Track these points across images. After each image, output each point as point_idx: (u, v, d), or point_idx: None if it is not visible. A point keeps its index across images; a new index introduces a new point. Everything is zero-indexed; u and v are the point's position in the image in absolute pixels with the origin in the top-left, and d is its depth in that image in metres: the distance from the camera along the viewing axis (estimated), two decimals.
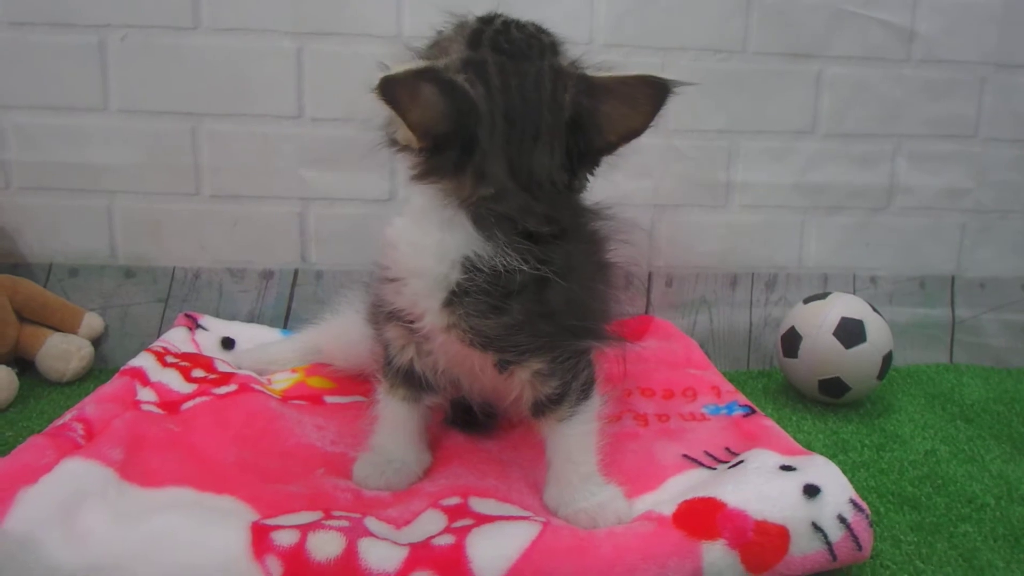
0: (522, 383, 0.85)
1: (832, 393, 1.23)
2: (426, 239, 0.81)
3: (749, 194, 1.43)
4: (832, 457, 1.06)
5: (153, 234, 1.33)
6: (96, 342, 1.30)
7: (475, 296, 0.79)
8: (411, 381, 0.91)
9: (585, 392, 0.86)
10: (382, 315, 0.90)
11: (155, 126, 1.30)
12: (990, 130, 1.47)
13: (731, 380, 1.35)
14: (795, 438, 1.12)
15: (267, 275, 1.36)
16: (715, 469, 0.92)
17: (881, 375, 1.22)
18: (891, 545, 0.87)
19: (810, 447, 1.10)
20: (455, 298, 0.80)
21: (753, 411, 1.07)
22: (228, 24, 1.28)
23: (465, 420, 1.02)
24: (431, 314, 0.82)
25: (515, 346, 0.81)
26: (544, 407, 0.85)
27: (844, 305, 1.23)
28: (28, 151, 1.29)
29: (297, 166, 1.33)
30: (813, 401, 1.27)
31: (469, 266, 0.79)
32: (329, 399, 1.12)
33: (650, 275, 1.44)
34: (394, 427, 0.92)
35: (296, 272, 1.37)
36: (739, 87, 1.39)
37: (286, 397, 1.10)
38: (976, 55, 1.44)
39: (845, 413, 1.23)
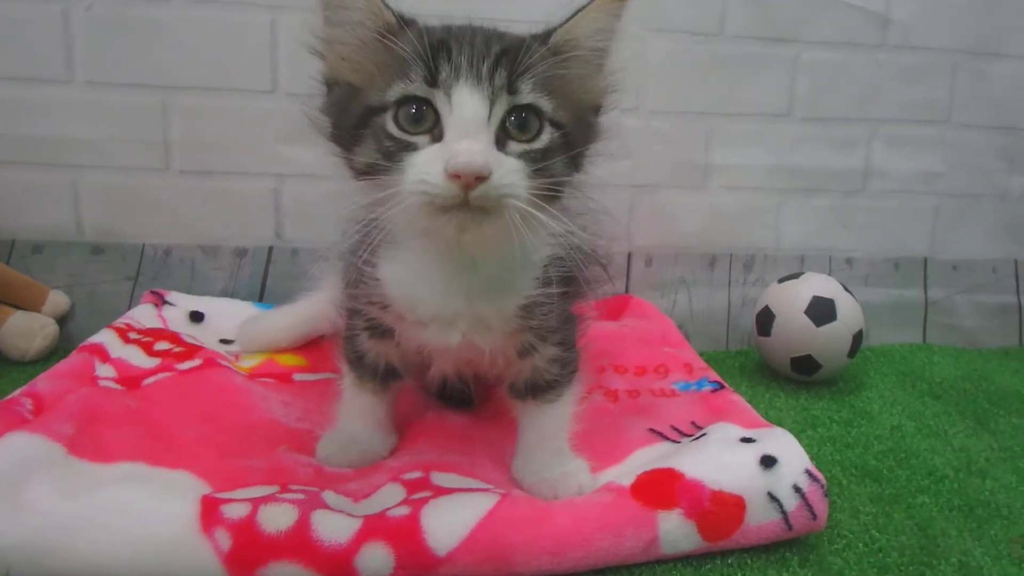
0: (528, 368, 0.85)
1: (804, 370, 1.25)
2: (475, 281, 0.76)
3: (727, 176, 1.45)
4: (801, 432, 1.10)
5: (122, 210, 1.31)
6: (62, 320, 1.29)
7: (543, 302, 0.79)
8: (382, 375, 0.91)
9: (573, 377, 0.89)
10: (366, 332, 0.87)
11: (124, 99, 1.28)
12: (963, 116, 1.50)
13: (709, 359, 1.38)
14: (767, 415, 1.15)
15: (241, 253, 1.36)
16: (679, 442, 0.94)
17: (852, 353, 1.24)
18: (850, 515, 0.89)
19: (780, 423, 1.11)
20: (526, 312, 0.79)
21: (722, 386, 1.09)
22: None
23: (456, 398, 1.02)
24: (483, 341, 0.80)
25: (551, 326, 0.82)
26: (539, 389, 0.86)
27: (816, 284, 1.26)
28: None
29: (272, 142, 1.32)
30: (787, 379, 1.29)
31: (540, 287, 0.79)
32: (298, 376, 1.12)
33: (629, 255, 1.46)
34: (361, 415, 0.92)
35: (271, 249, 1.37)
36: (717, 70, 1.41)
37: (254, 375, 1.10)
38: (949, 42, 1.47)
39: (817, 390, 1.26)
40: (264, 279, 1.37)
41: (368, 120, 0.66)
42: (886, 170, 1.50)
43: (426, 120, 0.65)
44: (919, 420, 1.16)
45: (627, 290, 1.46)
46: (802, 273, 1.31)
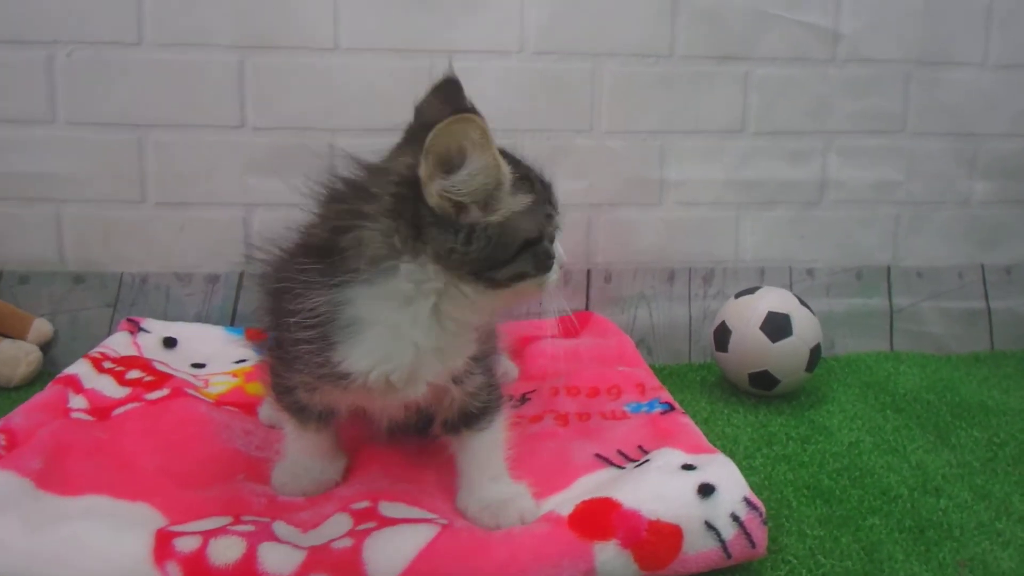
0: (458, 398, 0.85)
1: (762, 386, 1.21)
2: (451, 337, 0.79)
3: (683, 191, 1.42)
4: (756, 451, 1.06)
5: (101, 241, 1.33)
6: (46, 347, 1.29)
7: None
8: (319, 416, 0.88)
9: (500, 403, 0.89)
10: (303, 388, 0.84)
11: (102, 137, 1.30)
12: (918, 124, 1.46)
13: (671, 373, 1.35)
14: (724, 431, 1.12)
15: (213, 279, 1.36)
16: (624, 468, 0.90)
17: (810, 367, 1.20)
18: (796, 539, 0.85)
19: (736, 441, 1.09)
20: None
21: (672, 408, 1.05)
22: (171, 39, 1.28)
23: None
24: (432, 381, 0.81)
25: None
26: (472, 418, 0.86)
27: (771, 299, 1.21)
28: None
29: (241, 173, 1.33)
30: (746, 393, 1.25)
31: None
32: None
33: (589, 272, 1.43)
34: (308, 450, 0.90)
35: (242, 275, 1.37)
36: (669, 89, 1.38)
37: (221, 402, 1.08)
38: (900, 52, 1.43)
39: (777, 405, 1.21)
40: (235, 304, 1.37)
41: (523, 249, 0.76)
42: (843, 181, 1.46)
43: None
44: (878, 435, 1.11)
45: (587, 307, 1.43)
46: (759, 288, 1.27)
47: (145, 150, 1.31)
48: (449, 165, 0.70)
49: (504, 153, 0.75)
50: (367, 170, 0.76)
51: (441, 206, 0.71)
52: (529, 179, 0.77)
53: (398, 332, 0.75)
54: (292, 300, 0.74)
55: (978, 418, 1.18)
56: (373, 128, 1.20)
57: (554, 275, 0.79)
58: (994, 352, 1.51)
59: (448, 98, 0.87)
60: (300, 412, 0.87)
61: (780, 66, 1.40)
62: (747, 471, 1.00)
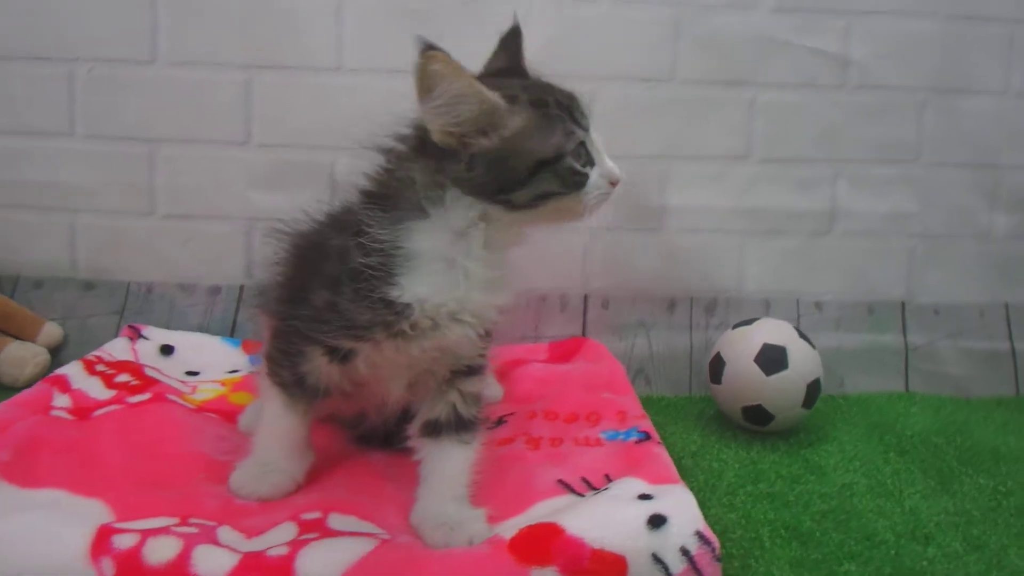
0: (453, 399, 0.87)
1: (757, 421, 1.15)
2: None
3: (685, 218, 1.38)
4: (740, 487, 1.01)
5: (111, 250, 1.37)
6: (55, 350, 1.32)
7: None
8: (314, 393, 0.88)
9: (481, 426, 0.90)
10: (325, 357, 0.85)
11: (115, 150, 1.35)
12: (934, 154, 1.39)
13: (668, 404, 1.30)
14: (710, 466, 1.07)
15: (215, 290, 1.38)
16: (584, 495, 0.86)
17: (807, 404, 1.14)
18: None
19: (721, 476, 1.04)
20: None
21: (648, 437, 1.00)
22: (183, 58, 1.33)
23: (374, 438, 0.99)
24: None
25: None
26: (462, 426, 0.87)
27: (768, 331, 1.16)
28: (1, 172, 1.35)
29: (245, 188, 1.36)
30: (741, 429, 1.19)
31: None
32: None
33: (586, 297, 1.39)
34: (282, 438, 0.89)
35: (242, 288, 1.38)
36: (671, 113, 1.36)
37: (203, 408, 1.09)
38: (913, 80, 1.37)
39: (772, 442, 1.15)
40: (235, 315, 1.39)
41: (539, 169, 0.78)
42: (854, 211, 1.40)
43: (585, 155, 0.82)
44: (874, 478, 1.04)
45: (584, 332, 1.39)
46: (757, 319, 1.21)
47: (155, 163, 1.35)
48: (430, 100, 0.75)
49: (509, 77, 0.85)
50: (414, 123, 0.82)
51: (444, 141, 0.77)
52: (537, 101, 0.79)
53: (452, 264, 0.80)
54: (354, 240, 0.80)
55: (986, 465, 1.09)
56: (374, 147, 1.20)
57: (597, 190, 0.81)
58: (1019, 396, 1.41)
59: (506, 47, 0.95)
60: (296, 386, 0.87)
61: (787, 91, 1.36)
62: (725, 508, 0.96)
